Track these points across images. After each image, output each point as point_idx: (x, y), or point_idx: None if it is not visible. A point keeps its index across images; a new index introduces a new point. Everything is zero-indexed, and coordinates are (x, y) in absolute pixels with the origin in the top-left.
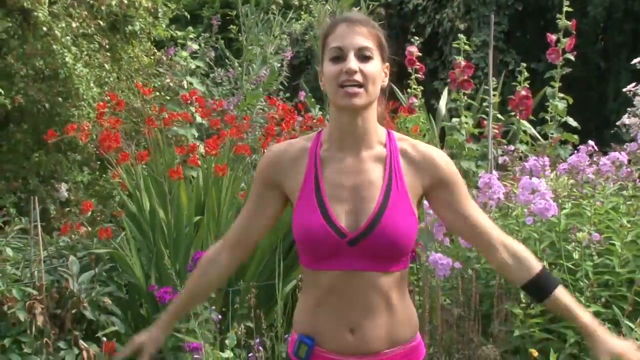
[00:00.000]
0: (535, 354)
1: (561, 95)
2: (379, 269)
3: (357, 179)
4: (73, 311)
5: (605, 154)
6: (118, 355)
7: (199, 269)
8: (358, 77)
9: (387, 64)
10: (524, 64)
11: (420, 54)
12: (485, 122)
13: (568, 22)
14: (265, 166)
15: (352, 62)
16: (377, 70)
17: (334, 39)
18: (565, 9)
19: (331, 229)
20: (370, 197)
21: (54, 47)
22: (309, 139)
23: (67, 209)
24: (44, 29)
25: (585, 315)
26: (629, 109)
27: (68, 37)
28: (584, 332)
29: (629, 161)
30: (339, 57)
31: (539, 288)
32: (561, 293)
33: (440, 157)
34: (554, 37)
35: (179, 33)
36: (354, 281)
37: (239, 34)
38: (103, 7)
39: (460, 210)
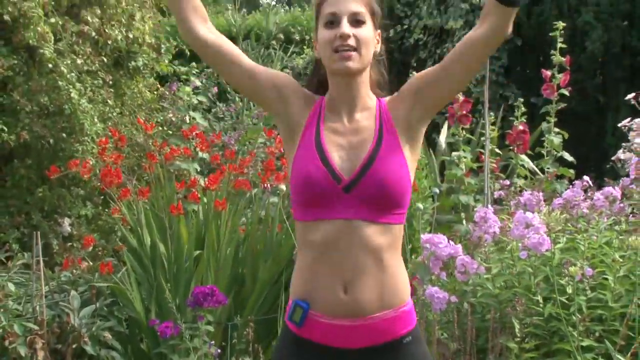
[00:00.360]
0: None
1: (557, 130)
2: (372, 218)
3: (352, 136)
4: (74, 346)
5: (600, 188)
6: None
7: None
8: (351, 42)
9: (379, 30)
10: (522, 99)
11: None
12: (483, 156)
13: (562, 58)
14: (285, 82)
15: (346, 27)
16: (370, 34)
17: (328, 5)
18: (560, 45)
19: (329, 173)
20: (364, 147)
21: (60, 83)
22: (316, 98)
23: (70, 243)
24: (50, 65)
25: None
26: (623, 144)
27: (73, 74)
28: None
29: (623, 195)
30: (333, 22)
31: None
32: None
33: (409, 82)
34: (549, 72)
35: (182, 69)
36: (347, 234)
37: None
38: (109, 42)
39: (442, 68)
